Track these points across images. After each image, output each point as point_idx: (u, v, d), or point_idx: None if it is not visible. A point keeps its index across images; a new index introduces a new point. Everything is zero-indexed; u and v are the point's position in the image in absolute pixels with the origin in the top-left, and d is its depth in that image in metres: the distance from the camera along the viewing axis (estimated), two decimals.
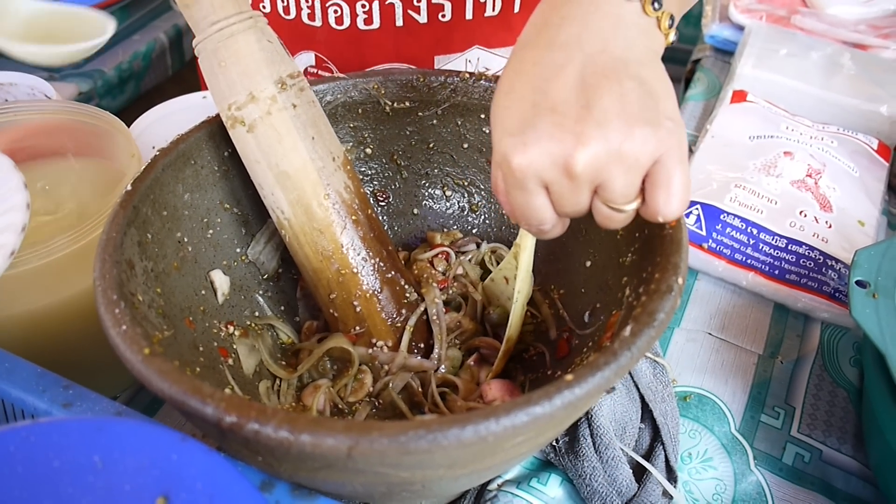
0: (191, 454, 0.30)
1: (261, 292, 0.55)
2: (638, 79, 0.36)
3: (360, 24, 0.70)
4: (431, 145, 0.59)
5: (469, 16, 0.70)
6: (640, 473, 0.52)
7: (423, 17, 0.69)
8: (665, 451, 0.54)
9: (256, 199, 0.54)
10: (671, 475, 0.53)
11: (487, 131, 0.57)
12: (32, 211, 0.49)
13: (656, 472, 0.52)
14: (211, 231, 0.51)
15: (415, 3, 0.68)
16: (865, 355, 0.54)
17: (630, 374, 0.56)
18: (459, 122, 0.57)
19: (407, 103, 0.57)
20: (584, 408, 0.39)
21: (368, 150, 0.59)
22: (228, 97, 0.49)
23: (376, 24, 0.70)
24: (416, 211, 0.61)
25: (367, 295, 0.53)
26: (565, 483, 0.53)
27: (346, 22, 0.70)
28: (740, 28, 1.01)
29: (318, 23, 0.70)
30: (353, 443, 0.32)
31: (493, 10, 0.70)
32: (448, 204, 0.61)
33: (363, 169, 0.60)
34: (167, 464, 0.29)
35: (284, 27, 0.72)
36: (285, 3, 0.70)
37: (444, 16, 0.69)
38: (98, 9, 1.09)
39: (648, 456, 0.54)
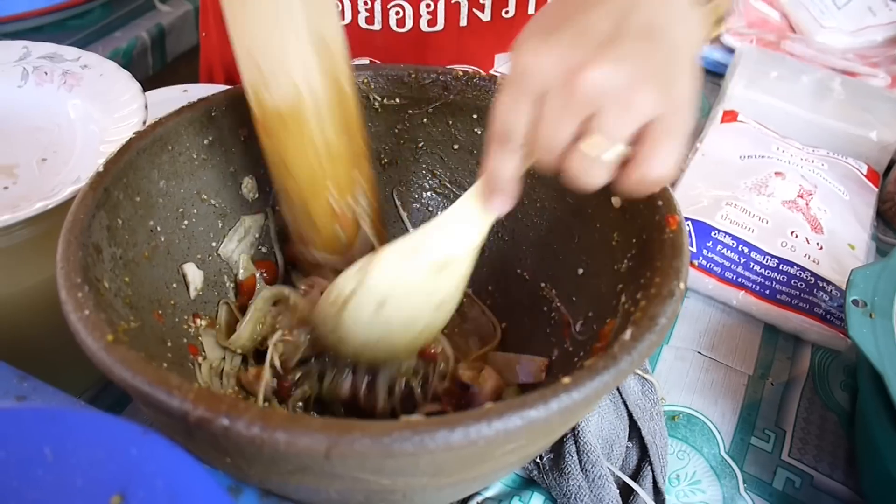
0: (152, 448, 0.27)
1: (234, 286, 0.52)
2: (672, 48, 0.35)
3: (424, 26, 0.67)
4: (421, 145, 0.57)
5: (532, 10, 0.68)
6: (626, 494, 0.50)
7: (486, 15, 0.67)
8: (653, 471, 0.51)
9: (235, 191, 0.52)
10: (659, 497, 0.51)
11: (479, 132, 0.55)
12: None
13: (644, 494, 0.50)
14: (186, 222, 0.49)
15: (480, 0, 0.66)
16: (861, 376, 0.53)
17: (618, 389, 0.54)
18: (451, 122, 0.55)
19: (397, 100, 0.55)
20: (580, 414, 0.37)
21: None
22: None
23: (440, 25, 0.67)
24: (401, 213, 0.59)
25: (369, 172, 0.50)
26: (548, 502, 0.50)
27: (409, 24, 0.67)
28: (731, 51, 1.00)
29: (377, 26, 0.68)
30: (332, 443, 0.29)
31: None
32: (436, 206, 0.59)
33: None
34: (125, 458, 0.27)
35: None
36: (339, 8, 0.68)
37: (507, 12, 0.67)
38: (81, 2, 1.07)
39: (636, 476, 0.51)
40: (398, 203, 0.59)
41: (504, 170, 0.39)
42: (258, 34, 0.42)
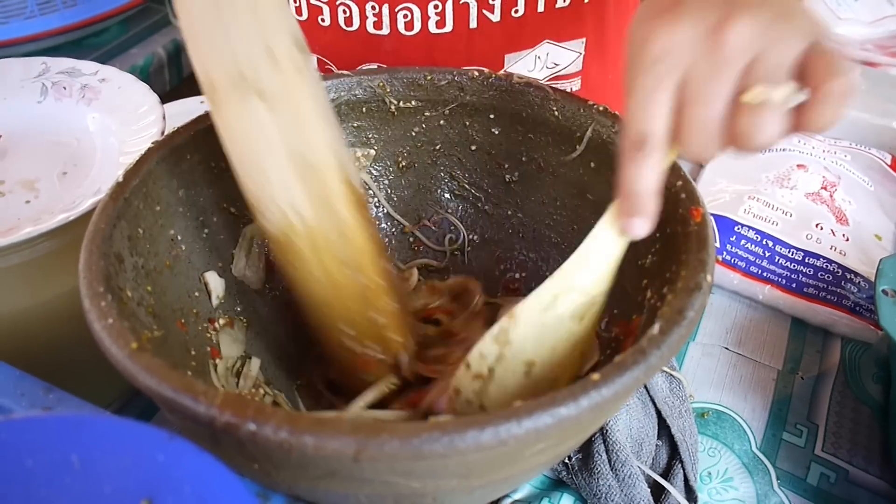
0: (179, 454, 0.27)
1: (257, 296, 0.52)
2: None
3: (432, 28, 0.67)
4: (438, 147, 0.57)
5: (541, 8, 0.67)
6: (657, 493, 0.49)
7: (496, 16, 0.66)
8: (684, 469, 0.50)
9: None
10: (691, 495, 0.50)
11: (497, 132, 0.55)
12: None
13: (675, 492, 0.49)
14: (206, 230, 0.49)
15: (489, 1, 0.65)
16: (894, 368, 0.52)
17: (646, 387, 0.53)
18: (468, 123, 0.55)
19: (413, 102, 0.55)
20: (611, 411, 0.36)
21: (372, 152, 0.57)
22: (238, 53, 0.38)
23: (449, 26, 0.67)
24: (420, 215, 0.59)
25: (392, 308, 0.46)
26: (578, 503, 0.49)
27: (417, 27, 0.67)
28: None
29: (385, 31, 0.68)
30: (361, 446, 0.29)
31: (565, 0, 0.68)
32: (455, 208, 0.59)
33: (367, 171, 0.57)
34: (152, 464, 0.26)
35: (345, 40, 0.69)
36: (347, 14, 0.68)
37: (516, 11, 0.66)
38: (97, 21, 1.08)
39: (666, 474, 0.51)
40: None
41: (644, 182, 0.35)
42: (248, 159, 0.41)
